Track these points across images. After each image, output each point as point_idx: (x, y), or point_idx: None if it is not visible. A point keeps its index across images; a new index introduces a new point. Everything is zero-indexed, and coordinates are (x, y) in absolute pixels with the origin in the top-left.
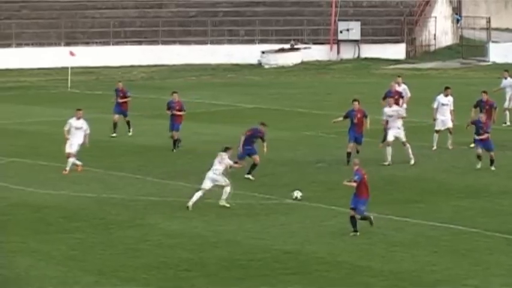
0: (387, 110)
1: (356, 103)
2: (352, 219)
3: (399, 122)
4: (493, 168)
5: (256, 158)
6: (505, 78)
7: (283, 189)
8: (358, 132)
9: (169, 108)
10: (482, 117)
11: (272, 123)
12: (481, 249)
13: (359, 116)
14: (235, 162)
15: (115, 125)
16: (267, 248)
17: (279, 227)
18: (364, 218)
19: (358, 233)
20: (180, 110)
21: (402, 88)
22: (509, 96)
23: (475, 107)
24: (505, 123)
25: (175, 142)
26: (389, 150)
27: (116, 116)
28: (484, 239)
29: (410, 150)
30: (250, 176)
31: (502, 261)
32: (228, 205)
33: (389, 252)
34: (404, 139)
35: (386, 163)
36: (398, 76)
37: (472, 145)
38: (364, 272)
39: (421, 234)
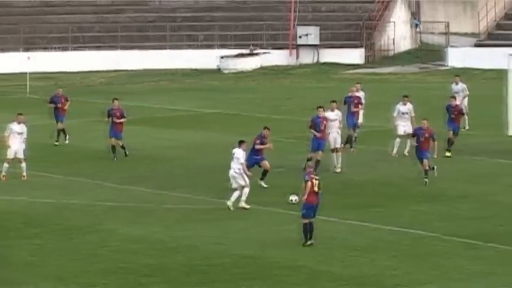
0: (329, 115)
1: (321, 110)
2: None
3: (335, 128)
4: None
5: (266, 164)
6: (456, 83)
7: None
8: (323, 139)
9: (109, 115)
10: (453, 101)
11: (231, 129)
12: (440, 253)
13: (325, 123)
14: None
15: (58, 132)
16: (226, 253)
17: (238, 232)
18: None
19: (309, 242)
20: (120, 117)
21: (361, 94)
22: (461, 101)
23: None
24: (464, 127)
25: (115, 149)
26: (332, 156)
27: (60, 124)
28: (443, 243)
29: (340, 159)
30: (263, 183)
31: (461, 266)
32: (247, 206)
33: (348, 256)
34: (338, 146)
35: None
36: (358, 83)
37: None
38: (323, 276)
39: (381, 238)
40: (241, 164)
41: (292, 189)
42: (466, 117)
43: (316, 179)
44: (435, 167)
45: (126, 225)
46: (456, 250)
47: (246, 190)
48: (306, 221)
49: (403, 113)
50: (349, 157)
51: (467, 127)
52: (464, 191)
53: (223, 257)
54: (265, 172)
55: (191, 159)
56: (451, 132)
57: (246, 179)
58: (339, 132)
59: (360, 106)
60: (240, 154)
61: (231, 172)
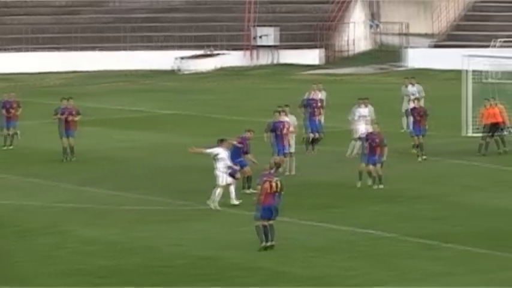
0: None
1: (281, 114)
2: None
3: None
4: (381, 186)
5: (246, 170)
6: (412, 85)
7: (200, 196)
8: (283, 144)
9: (62, 113)
10: (415, 103)
11: (189, 129)
12: (398, 254)
13: (287, 126)
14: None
15: (5, 138)
16: (185, 255)
17: (197, 233)
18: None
19: (266, 243)
20: (76, 115)
21: (323, 95)
22: (418, 103)
23: (407, 116)
24: (404, 128)
25: (66, 150)
26: (285, 160)
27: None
28: (401, 244)
29: (294, 163)
30: (251, 190)
31: (419, 266)
32: (237, 202)
33: (307, 257)
34: (292, 150)
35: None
36: (318, 83)
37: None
38: (283, 277)
39: (339, 239)
40: (224, 161)
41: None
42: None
43: (275, 180)
44: (381, 185)
45: (83, 226)
46: (414, 250)
47: (232, 188)
48: (259, 223)
49: (363, 116)
50: (308, 158)
51: (405, 128)
52: (422, 191)
53: (182, 258)
54: (248, 179)
55: (149, 160)
56: (418, 137)
57: (234, 167)
58: (293, 136)
59: (321, 110)
60: (224, 154)
61: (216, 172)
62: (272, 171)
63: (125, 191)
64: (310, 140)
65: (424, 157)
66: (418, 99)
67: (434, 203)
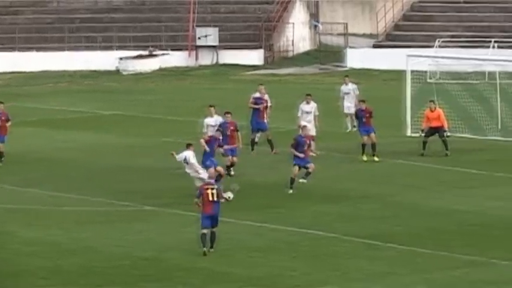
0: (208, 120)
1: (229, 115)
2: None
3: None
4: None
5: (218, 169)
6: (346, 84)
7: (141, 196)
8: (231, 143)
9: None
10: (362, 104)
11: (130, 130)
12: (340, 254)
13: (232, 128)
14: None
15: None
16: (126, 255)
17: (138, 234)
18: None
19: (208, 250)
20: (6, 121)
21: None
22: (350, 101)
23: (356, 117)
24: (348, 128)
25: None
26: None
27: None
28: (343, 244)
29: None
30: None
31: (361, 266)
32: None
33: (248, 257)
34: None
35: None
36: (260, 84)
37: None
38: (223, 277)
39: (280, 239)
40: (194, 165)
41: (191, 190)
42: (350, 118)
43: (211, 189)
44: (306, 179)
45: (23, 227)
46: (356, 250)
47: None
48: (203, 231)
49: (306, 112)
50: (250, 159)
51: (350, 128)
52: (364, 191)
53: (122, 259)
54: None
55: (89, 161)
56: (367, 137)
57: (203, 175)
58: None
59: (267, 110)
60: (193, 159)
61: (191, 176)
62: (212, 180)
63: (65, 192)
64: (267, 141)
65: (377, 159)
66: (363, 101)
67: (376, 203)
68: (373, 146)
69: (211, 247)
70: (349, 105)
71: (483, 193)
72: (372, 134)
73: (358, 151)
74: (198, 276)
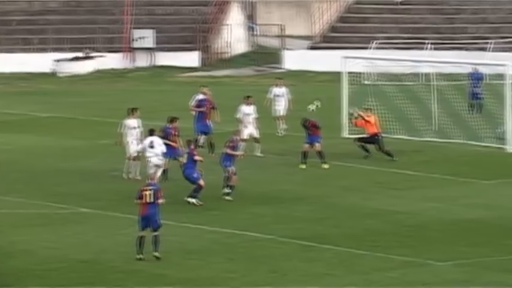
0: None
1: (176, 122)
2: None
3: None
4: None
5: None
6: (279, 86)
7: (78, 198)
8: (174, 148)
9: None
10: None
11: (67, 132)
12: (277, 255)
13: (175, 133)
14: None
15: None
16: (63, 258)
17: (75, 237)
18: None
19: (140, 256)
20: None
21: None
22: (284, 104)
23: (303, 127)
24: (280, 131)
25: None
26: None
27: None
28: (280, 246)
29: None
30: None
31: (298, 267)
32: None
33: (185, 260)
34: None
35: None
36: (204, 86)
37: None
38: (160, 280)
39: (218, 241)
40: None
41: (128, 192)
42: (282, 121)
43: (149, 190)
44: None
45: None
46: (293, 252)
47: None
48: (140, 233)
49: (247, 114)
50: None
51: (283, 132)
52: (300, 193)
53: (60, 262)
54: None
55: (25, 164)
56: (308, 145)
57: (162, 162)
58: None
59: (214, 112)
60: (156, 140)
61: (155, 160)
62: (153, 181)
63: (1, 195)
64: (208, 143)
65: (326, 166)
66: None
67: (313, 205)
68: (320, 154)
69: (156, 250)
70: (280, 109)
71: (419, 194)
72: (317, 144)
73: (293, 153)
74: (135, 279)
